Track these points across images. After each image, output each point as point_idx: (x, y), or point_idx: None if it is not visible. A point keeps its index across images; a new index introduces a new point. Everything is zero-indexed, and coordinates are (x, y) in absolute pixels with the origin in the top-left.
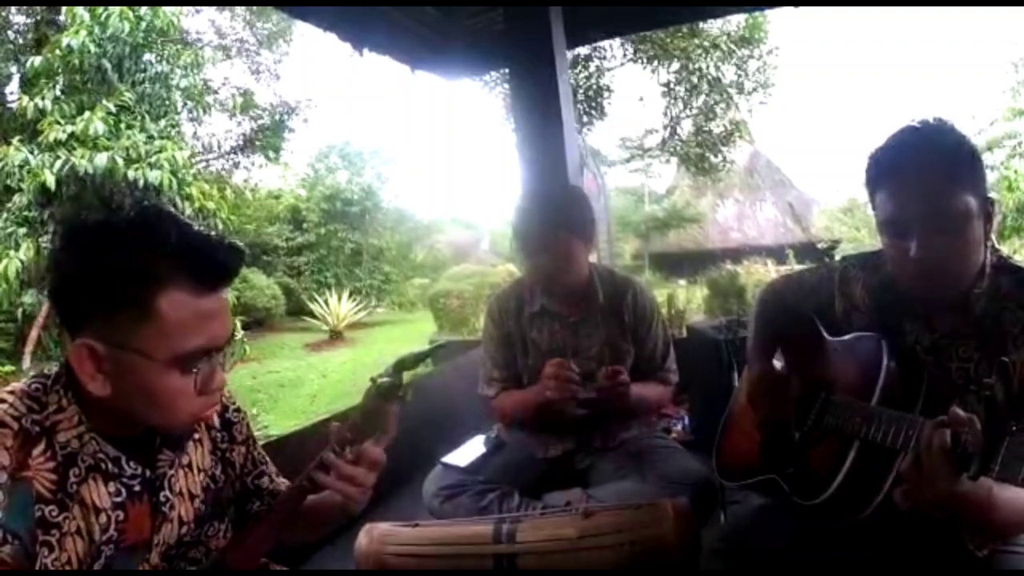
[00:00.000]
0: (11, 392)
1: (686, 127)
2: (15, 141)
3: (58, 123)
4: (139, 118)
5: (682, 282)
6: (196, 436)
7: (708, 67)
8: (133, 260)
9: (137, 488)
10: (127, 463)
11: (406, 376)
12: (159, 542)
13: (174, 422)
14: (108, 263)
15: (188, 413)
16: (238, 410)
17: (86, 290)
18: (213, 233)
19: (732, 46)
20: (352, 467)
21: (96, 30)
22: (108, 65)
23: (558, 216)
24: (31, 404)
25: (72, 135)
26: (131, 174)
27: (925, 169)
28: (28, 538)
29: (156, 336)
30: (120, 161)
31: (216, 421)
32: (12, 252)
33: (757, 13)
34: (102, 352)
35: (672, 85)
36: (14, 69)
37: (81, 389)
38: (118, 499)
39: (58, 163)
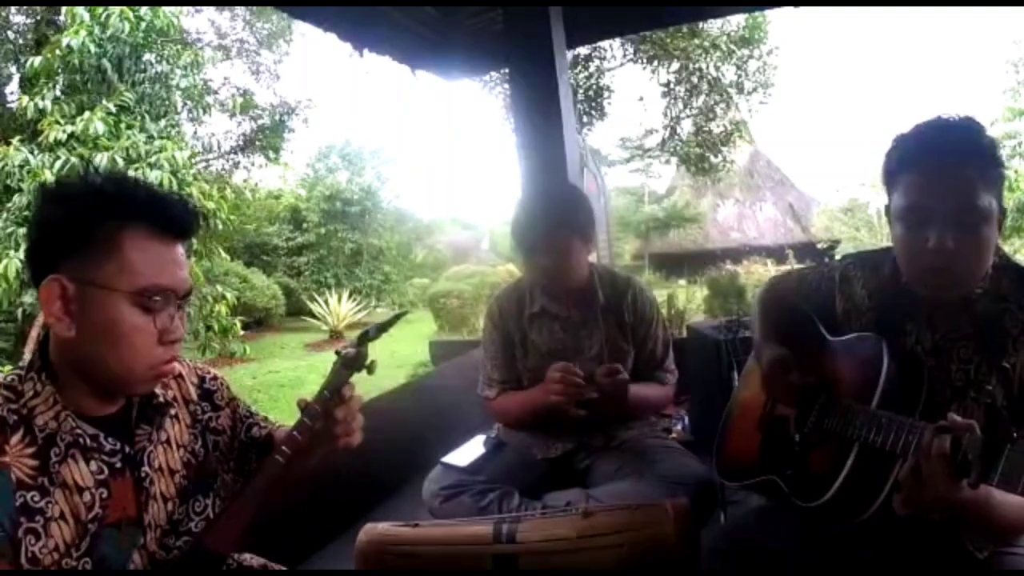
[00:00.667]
0: None
1: (686, 127)
2: (15, 141)
3: (58, 123)
4: (139, 118)
5: (682, 282)
6: (173, 412)
7: (708, 67)
8: (101, 205)
9: (119, 464)
10: (105, 439)
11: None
12: (150, 523)
13: (134, 369)
14: (79, 208)
15: (147, 362)
16: (215, 378)
17: (58, 234)
18: (173, 193)
19: (732, 46)
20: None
21: (96, 30)
22: (108, 65)
23: (558, 216)
24: (8, 395)
25: (72, 135)
26: (131, 174)
27: (958, 162)
28: (8, 524)
29: (120, 271)
30: (120, 161)
31: (194, 394)
32: (12, 252)
33: (757, 13)
34: (70, 290)
35: (672, 85)
36: (14, 69)
37: (53, 367)
38: (100, 476)
39: (58, 163)
